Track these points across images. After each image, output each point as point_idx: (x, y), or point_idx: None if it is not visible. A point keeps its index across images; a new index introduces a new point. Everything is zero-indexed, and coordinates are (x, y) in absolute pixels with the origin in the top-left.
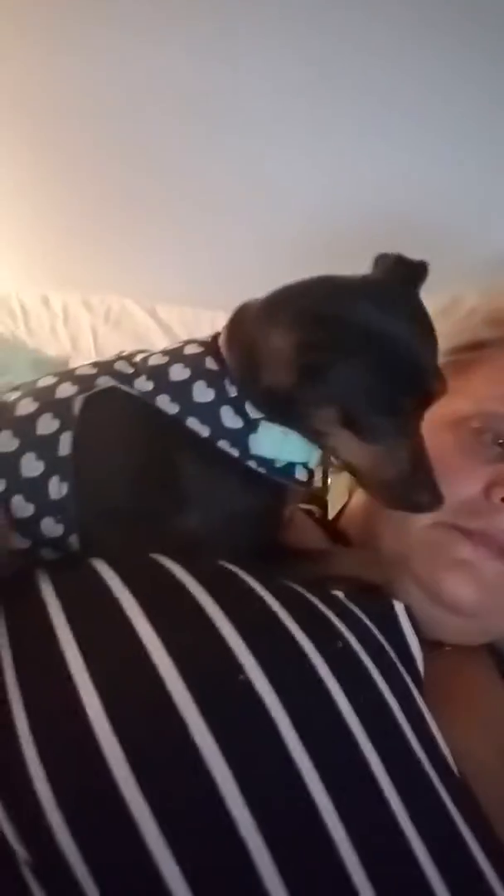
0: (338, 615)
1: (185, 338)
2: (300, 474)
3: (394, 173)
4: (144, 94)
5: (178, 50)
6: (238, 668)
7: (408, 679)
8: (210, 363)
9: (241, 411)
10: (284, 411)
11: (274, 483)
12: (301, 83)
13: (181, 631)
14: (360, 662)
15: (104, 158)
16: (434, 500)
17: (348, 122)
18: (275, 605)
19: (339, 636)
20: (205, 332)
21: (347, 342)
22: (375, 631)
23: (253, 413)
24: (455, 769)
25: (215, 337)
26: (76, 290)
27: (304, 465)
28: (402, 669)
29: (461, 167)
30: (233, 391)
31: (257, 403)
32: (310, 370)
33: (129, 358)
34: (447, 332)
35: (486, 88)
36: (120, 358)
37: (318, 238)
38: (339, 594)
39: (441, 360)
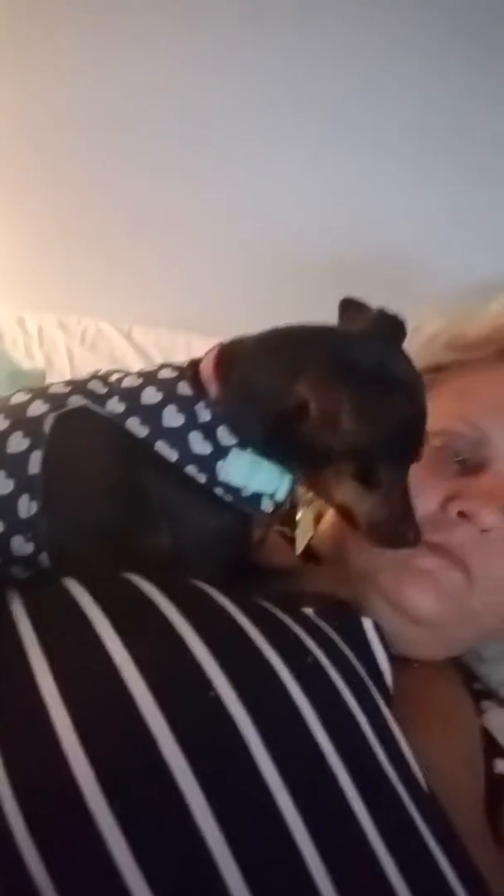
0: (307, 632)
1: (161, 360)
2: (266, 505)
3: (369, 202)
4: (120, 117)
5: (159, 71)
6: (208, 684)
7: (376, 694)
8: (183, 388)
9: (211, 437)
10: (288, 455)
11: (238, 512)
12: (276, 109)
13: (151, 648)
14: (328, 678)
15: (80, 180)
16: (416, 537)
17: (327, 150)
18: (245, 622)
19: (309, 652)
20: (181, 355)
21: (376, 399)
22: (344, 647)
23: (225, 439)
24: (424, 784)
25: (193, 363)
26: (52, 311)
27: (272, 495)
28: (370, 685)
29: (435, 201)
30: (205, 416)
31: (252, 438)
32: (342, 424)
33: (104, 378)
34: (412, 356)
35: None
36: (95, 377)
37: (294, 263)
38: (310, 611)
39: None
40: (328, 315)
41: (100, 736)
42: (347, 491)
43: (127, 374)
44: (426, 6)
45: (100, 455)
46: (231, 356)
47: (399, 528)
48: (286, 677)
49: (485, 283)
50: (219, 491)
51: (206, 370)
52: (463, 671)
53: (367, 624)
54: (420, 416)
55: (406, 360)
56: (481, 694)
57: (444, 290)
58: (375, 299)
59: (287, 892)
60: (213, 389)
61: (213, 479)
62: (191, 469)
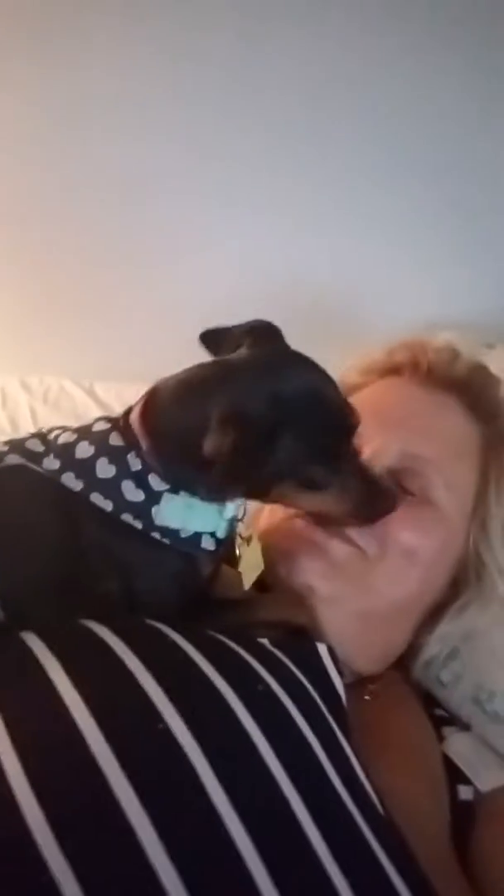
0: (260, 661)
1: None
2: (207, 543)
3: (310, 253)
4: (74, 177)
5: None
6: (158, 717)
7: (330, 718)
8: (115, 439)
9: (143, 484)
10: (227, 486)
11: (180, 552)
12: (221, 166)
13: (102, 687)
14: (280, 704)
15: (34, 242)
16: (391, 499)
17: (270, 199)
18: (196, 655)
19: (260, 680)
20: None
21: (289, 415)
22: (298, 673)
23: (157, 485)
24: (379, 806)
25: (125, 413)
26: (13, 373)
27: (212, 534)
28: (324, 709)
29: (380, 243)
30: (136, 465)
31: (186, 479)
32: (263, 449)
33: (42, 436)
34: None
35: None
36: (33, 436)
37: (248, 312)
38: (265, 641)
39: None
40: None
41: (49, 777)
42: (301, 498)
43: (65, 429)
44: (367, 34)
45: (40, 511)
46: (154, 405)
47: (374, 497)
48: (236, 706)
49: (429, 322)
50: (156, 535)
51: (135, 422)
52: (424, 698)
53: (322, 649)
54: (334, 409)
55: (299, 359)
56: (442, 720)
57: (392, 330)
58: (327, 344)
59: None
60: (142, 440)
61: (149, 525)
62: (126, 517)
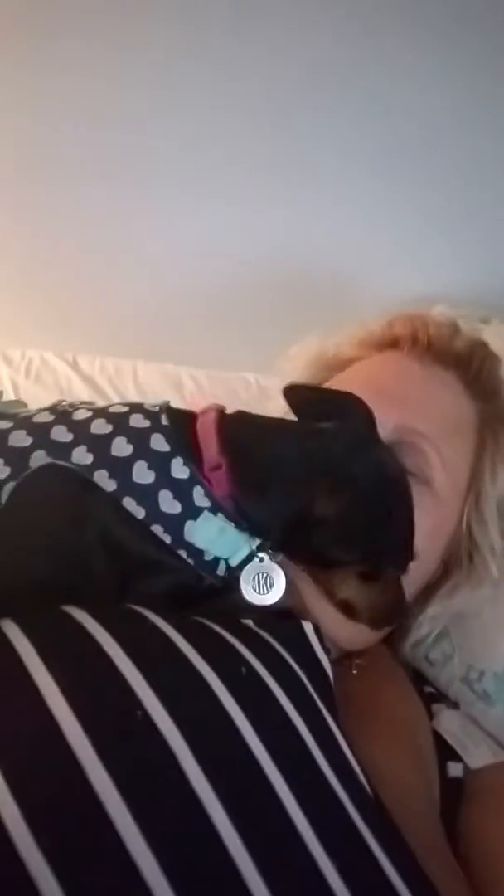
0: (244, 643)
1: (109, 388)
2: (221, 569)
3: (301, 223)
4: (55, 153)
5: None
6: (137, 703)
7: (317, 699)
8: (157, 443)
9: (183, 496)
10: (292, 545)
11: (195, 573)
12: (212, 141)
13: (79, 673)
14: (265, 687)
15: (16, 215)
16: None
17: (260, 172)
18: (178, 639)
19: (244, 662)
20: (128, 381)
21: (379, 500)
22: (285, 653)
23: (200, 501)
24: (368, 787)
25: (174, 416)
26: None
27: (227, 560)
28: (311, 689)
29: (367, 219)
30: (182, 473)
31: (253, 511)
32: (356, 530)
33: (65, 416)
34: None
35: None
36: (56, 420)
37: (234, 289)
38: (249, 622)
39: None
40: (269, 336)
41: (23, 769)
42: (349, 588)
43: (92, 409)
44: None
45: (63, 511)
46: (236, 437)
47: (396, 609)
48: (219, 690)
49: (421, 296)
50: (182, 553)
51: (207, 431)
52: (413, 675)
53: (308, 628)
54: (410, 511)
55: (387, 452)
56: (432, 697)
57: (379, 306)
58: (315, 317)
59: None
60: (210, 457)
61: (178, 541)
62: (156, 528)
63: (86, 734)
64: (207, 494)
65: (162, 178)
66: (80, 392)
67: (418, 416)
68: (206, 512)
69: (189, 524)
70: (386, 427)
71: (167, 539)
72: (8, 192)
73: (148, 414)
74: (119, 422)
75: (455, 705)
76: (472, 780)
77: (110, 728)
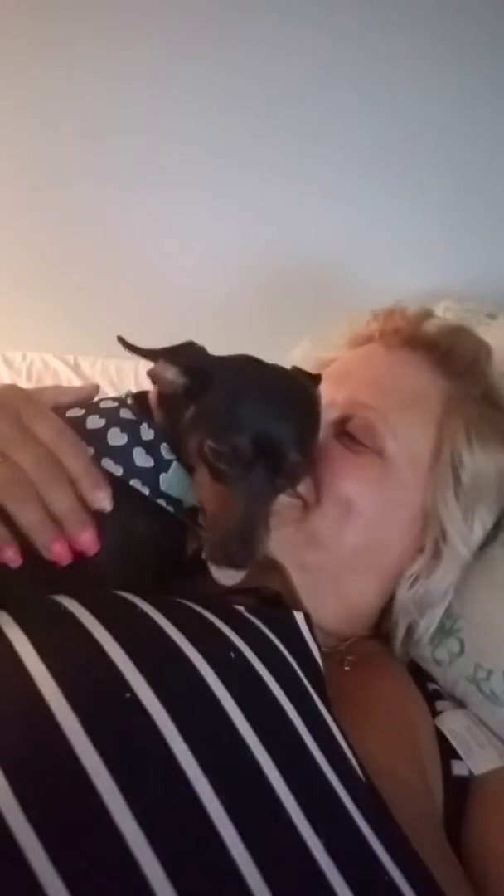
0: (234, 628)
1: (110, 389)
2: (203, 519)
3: (300, 217)
4: (59, 156)
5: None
6: (125, 686)
7: (307, 684)
8: (125, 413)
9: (153, 452)
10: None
11: (178, 522)
12: (210, 137)
13: (69, 658)
14: (253, 671)
15: (17, 218)
16: (241, 562)
17: (254, 168)
18: (166, 624)
19: (233, 647)
20: (128, 383)
21: (211, 386)
22: (275, 639)
23: (167, 454)
24: (359, 770)
25: (134, 395)
26: None
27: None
28: (301, 675)
29: (367, 213)
30: (148, 435)
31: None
32: (185, 396)
33: None
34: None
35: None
36: None
37: (235, 290)
38: (241, 608)
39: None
40: (267, 334)
41: (14, 749)
42: (201, 477)
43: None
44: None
45: None
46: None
47: (232, 542)
48: (207, 673)
49: (429, 292)
50: (161, 502)
51: (153, 398)
52: (416, 672)
53: (299, 617)
54: (268, 436)
55: (277, 380)
56: (436, 694)
57: (384, 304)
58: (316, 317)
59: (213, 885)
60: (157, 414)
61: (156, 492)
62: (135, 482)
63: (75, 714)
64: (174, 449)
65: (162, 180)
66: None
67: (367, 390)
68: (175, 463)
69: (162, 477)
70: (336, 403)
71: (146, 491)
72: (9, 194)
73: (115, 399)
74: (91, 406)
75: (461, 704)
76: (479, 783)
77: (98, 708)
